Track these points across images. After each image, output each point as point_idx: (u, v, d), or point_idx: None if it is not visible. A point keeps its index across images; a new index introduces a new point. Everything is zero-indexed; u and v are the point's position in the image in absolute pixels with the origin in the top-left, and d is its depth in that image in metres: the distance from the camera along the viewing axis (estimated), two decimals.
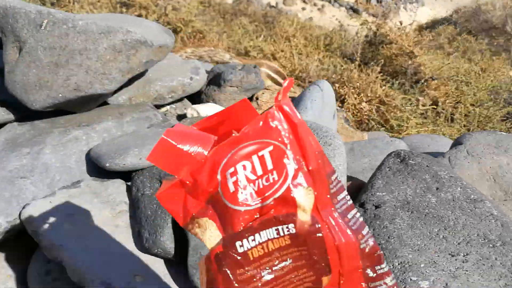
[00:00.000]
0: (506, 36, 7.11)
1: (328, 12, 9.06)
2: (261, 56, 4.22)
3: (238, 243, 0.69)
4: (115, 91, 1.88)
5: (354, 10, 9.03)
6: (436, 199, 1.23)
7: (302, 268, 0.71)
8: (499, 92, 4.05)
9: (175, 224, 1.32)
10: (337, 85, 3.63)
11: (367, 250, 0.74)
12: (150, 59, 1.76)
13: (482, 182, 1.52)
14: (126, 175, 1.55)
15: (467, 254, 1.07)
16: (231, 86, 2.02)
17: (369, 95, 3.61)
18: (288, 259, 0.71)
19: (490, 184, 1.52)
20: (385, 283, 0.75)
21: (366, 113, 3.53)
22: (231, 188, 0.69)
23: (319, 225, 0.69)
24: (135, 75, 1.78)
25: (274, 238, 0.70)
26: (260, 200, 0.69)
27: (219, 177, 0.70)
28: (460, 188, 1.26)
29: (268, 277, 0.70)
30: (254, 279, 0.70)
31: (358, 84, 3.66)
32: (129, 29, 1.67)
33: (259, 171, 0.70)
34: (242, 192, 0.69)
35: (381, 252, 0.76)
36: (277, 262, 0.70)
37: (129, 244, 1.37)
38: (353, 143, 1.79)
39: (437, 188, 1.27)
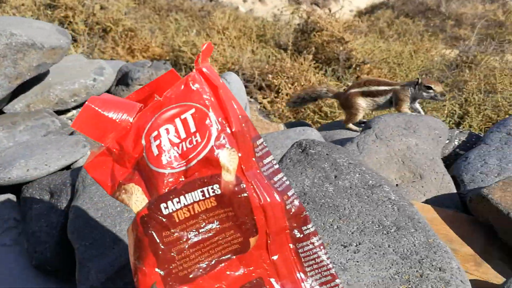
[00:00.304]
0: (441, 16, 7.30)
1: (269, 3, 9.02)
2: (195, 51, 4.11)
3: (163, 205, 0.70)
4: (11, 99, 1.74)
5: (295, 0, 9.02)
6: (334, 187, 1.18)
7: (229, 229, 0.73)
8: (431, 71, 4.11)
9: (63, 239, 1.23)
10: (270, 75, 3.59)
11: (293, 210, 0.76)
12: (43, 62, 1.64)
13: (390, 165, 1.49)
14: (19, 189, 1.44)
15: (359, 244, 1.02)
16: (140, 85, 1.93)
17: (303, 83, 3.58)
18: (215, 221, 0.72)
19: (398, 167, 1.50)
20: (312, 243, 0.78)
21: None
22: (155, 151, 0.71)
23: (244, 185, 0.72)
24: (28, 80, 1.65)
25: (200, 200, 0.71)
26: (185, 163, 0.71)
27: (143, 141, 0.72)
28: (359, 174, 1.22)
29: (195, 239, 0.72)
30: (180, 241, 0.71)
31: (292, 73, 3.63)
32: (13, 32, 1.54)
33: (183, 134, 0.72)
34: (166, 155, 0.71)
35: (307, 213, 0.78)
36: (203, 224, 0.72)
37: (19, 261, 1.26)
38: (266, 135, 1.73)
39: (335, 176, 1.22)
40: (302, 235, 0.78)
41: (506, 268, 1.19)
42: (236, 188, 0.72)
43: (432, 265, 0.98)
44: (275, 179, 0.77)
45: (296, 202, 0.77)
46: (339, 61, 3.78)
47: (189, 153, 0.71)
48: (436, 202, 1.42)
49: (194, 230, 0.72)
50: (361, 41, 3.91)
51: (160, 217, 0.71)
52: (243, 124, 0.75)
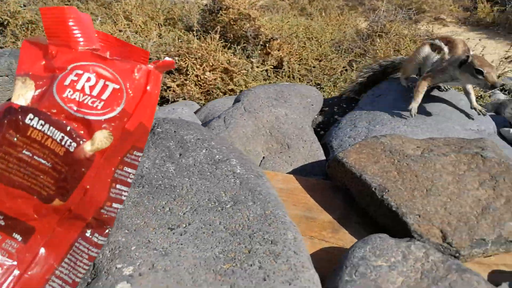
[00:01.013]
0: None
1: None
2: None
3: (31, 115, 0.75)
4: None
5: None
6: (176, 166, 1.10)
7: (52, 179, 0.76)
8: (343, 42, 4.12)
9: None
10: (177, 58, 3.45)
11: (104, 217, 0.82)
12: None
13: (257, 138, 1.43)
14: None
15: (189, 224, 0.95)
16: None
17: (212, 64, 3.48)
18: (49, 163, 0.75)
19: (266, 138, 1.43)
20: (84, 251, 0.83)
21: (211, 83, 3.40)
22: (67, 82, 0.77)
23: (90, 165, 0.77)
24: None
25: (55, 140, 0.75)
26: (75, 110, 0.76)
27: (69, 67, 0.79)
28: (206, 150, 1.14)
29: (24, 157, 0.74)
30: (14, 148, 0.74)
31: (199, 54, 3.51)
32: None
33: (95, 92, 0.78)
34: (70, 91, 0.77)
35: (109, 230, 0.85)
36: (42, 156, 0.75)
37: None
38: None
39: (180, 154, 1.13)
40: (87, 238, 0.82)
41: (362, 231, 1.15)
42: (84, 161, 0.76)
43: (264, 238, 0.92)
44: (118, 187, 0.82)
45: (112, 215, 0.83)
46: (248, 39, 3.70)
47: (83, 107, 0.77)
48: (304, 171, 1.37)
49: (30, 152, 0.75)
50: (268, 17, 3.84)
51: (21, 120, 0.75)
52: (140, 131, 0.82)
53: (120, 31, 3.90)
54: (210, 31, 3.84)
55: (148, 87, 0.81)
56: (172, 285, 0.82)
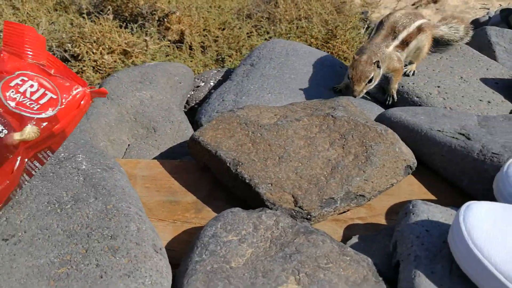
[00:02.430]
0: None
1: None
2: None
3: None
4: None
5: None
6: None
7: None
8: (245, 8, 4.08)
9: None
10: (69, 45, 3.29)
11: None
12: None
13: (122, 126, 1.39)
14: None
15: (24, 232, 0.91)
16: None
17: (109, 46, 3.34)
18: None
19: (130, 125, 1.40)
20: None
21: (111, 66, 3.28)
22: (12, 83, 0.90)
23: (11, 155, 0.86)
24: None
25: None
26: (13, 106, 0.88)
27: (16, 73, 0.92)
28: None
29: None
30: None
31: (94, 38, 3.36)
32: None
33: (33, 97, 0.90)
34: (13, 91, 0.89)
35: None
36: None
37: None
38: None
39: None
40: None
41: (225, 206, 1.16)
42: (10, 148, 0.85)
43: (103, 235, 0.90)
44: (24, 175, 0.93)
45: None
46: (145, 16, 3.58)
47: (21, 105, 0.88)
48: (172, 153, 1.36)
49: None
50: None
51: None
52: (60, 137, 0.94)
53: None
54: (102, 13, 3.67)
55: (81, 103, 0.95)
56: None
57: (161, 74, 1.53)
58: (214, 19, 3.72)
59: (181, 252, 1.04)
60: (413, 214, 1.01)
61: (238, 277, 0.91)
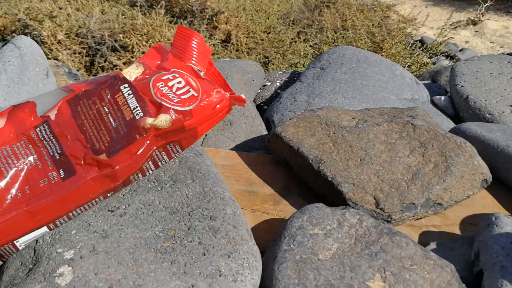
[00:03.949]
0: None
1: None
2: (39, 21, 3.73)
3: (126, 85, 0.94)
4: None
5: None
6: None
7: (109, 136, 0.89)
8: (291, 15, 4.13)
9: None
10: (121, 35, 3.37)
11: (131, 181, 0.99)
12: None
13: None
14: None
15: (128, 206, 0.96)
16: None
17: (158, 40, 3.42)
18: (115, 123, 0.90)
19: None
20: None
21: None
22: (164, 77, 0.97)
23: (140, 138, 0.90)
24: None
25: (129, 107, 0.91)
26: (157, 96, 0.93)
27: (171, 70, 1.00)
28: None
29: (102, 111, 0.91)
30: (100, 102, 0.92)
31: (145, 30, 3.43)
32: None
33: (177, 92, 0.95)
34: (162, 84, 0.94)
35: None
36: (114, 115, 0.91)
37: None
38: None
39: None
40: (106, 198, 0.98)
41: (302, 202, 1.20)
42: (140, 129, 0.89)
43: (203, 215, 0.94)
44: (149, 163, 0.98)
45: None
46: (195, 13, 3.65)
47: (163, 97, 0.93)
48: (246, 146, 1.40)
49: (108, 110, 0.91)
50: None
51: (117, 85, 0.93)
52: (191, 134, 0.98)
53: (60, 8, 3.74)
54: (155, 6, 3.75)
55: (217, 106, 0.98)
56: (114, 265, 0.84)
57: (235, 70, 1.58)
58: (260, 22, 3.78)
59: (261, 240, 1.08)
60: (496, 226, 1.03)
61: (327, 269, 0.95)
